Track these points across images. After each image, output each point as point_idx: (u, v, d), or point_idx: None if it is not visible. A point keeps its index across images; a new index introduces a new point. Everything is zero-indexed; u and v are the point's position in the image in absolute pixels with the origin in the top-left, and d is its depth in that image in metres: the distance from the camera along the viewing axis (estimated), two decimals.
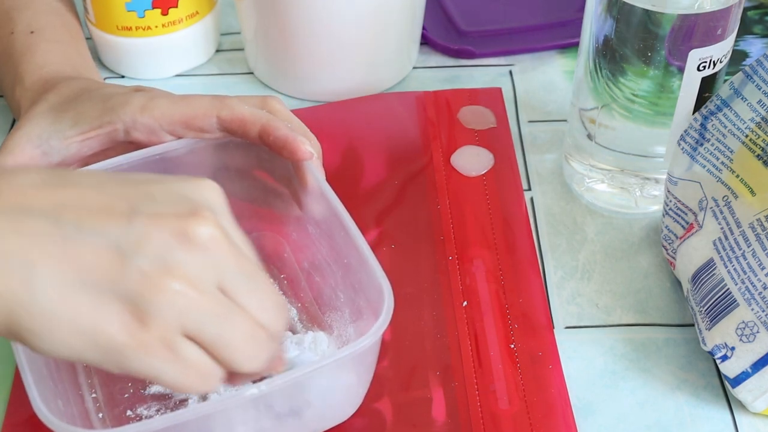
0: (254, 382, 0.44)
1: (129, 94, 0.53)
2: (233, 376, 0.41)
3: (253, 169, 0.54)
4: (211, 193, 0.40)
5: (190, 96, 0.53)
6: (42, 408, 0.41)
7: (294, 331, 0.54)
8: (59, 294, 0.36)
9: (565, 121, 0.65)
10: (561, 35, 0.75)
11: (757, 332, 0.49)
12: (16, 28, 0.63)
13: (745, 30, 0.76)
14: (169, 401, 0.51)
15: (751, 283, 0.49)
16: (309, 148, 0.51)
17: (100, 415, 0.50)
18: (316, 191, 0.51)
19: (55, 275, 0.36)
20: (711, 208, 0.53)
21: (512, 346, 0.54)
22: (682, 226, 0.57)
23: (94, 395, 0.50)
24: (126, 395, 0.51)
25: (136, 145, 0.53)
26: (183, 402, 0.51)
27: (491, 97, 0.70)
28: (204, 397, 0.50)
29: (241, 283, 0.39)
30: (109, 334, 0.37)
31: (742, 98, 0.52)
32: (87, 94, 0.55)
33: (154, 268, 0.37)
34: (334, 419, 0.49)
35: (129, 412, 0.50)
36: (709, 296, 0.52)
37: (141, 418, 0.50)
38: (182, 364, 0.38)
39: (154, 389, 0.51)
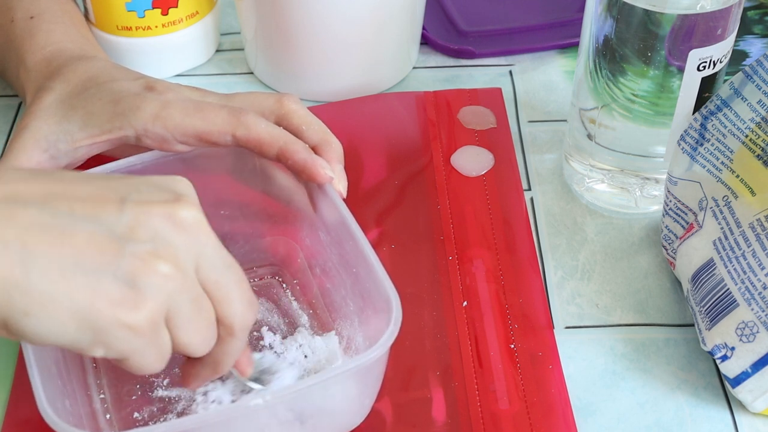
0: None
1: (140, 97, 0.52)
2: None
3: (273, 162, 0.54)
4: (187, 186, 0.42)
5: (205, 106, 0.52)
6: (46, 408, 0.41)
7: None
8: (57, 275, 0.38)
9: (565, 121, 0.65)
10: (561, 35, 0.75)
11: (757, 332, 0.49)
12: (16, 15, 0.62)
13: (745, 30, 0.76)
14: (176, 404, 0.51)
15: (751, 283, 0.49)
16: (328, 173, 0.51)
17: (108, 416, 0.50)
18: (329, 201, 0.51)
19: (51, 258, 0.38)
20: (711, 208, 0.53)
21: (512, 346, 0.54)
22: (682, 226, 0.57)
23: (102, 396, 0.50)
24: (133, 397, 0.51)
25: (147, 148, 0.52)
26: (188, 406, 0.51)
27: (491, 97, 0.70)
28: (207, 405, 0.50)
29: (217, 271, 0.41)
30: (104, 313, 0.38)
31: (742, 98, 0.52)
32: (96, 88, 0.54)
33: (147, 251, 0.39)
34: (339, 429, 0.49)
35: (136, 414, 0.50)
36: (709, 296, 0.52)
37: (147, 422, 0.50)
38: (157, 348, 0.40)
39: (161, 393, 0.51)
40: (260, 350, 0.52)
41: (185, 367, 0.45)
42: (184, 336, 0.41)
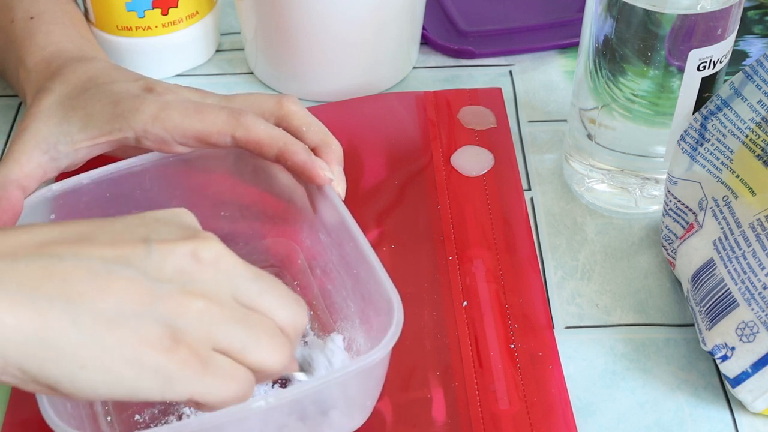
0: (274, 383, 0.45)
1: (140, 98, 0.52)
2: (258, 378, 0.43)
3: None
4: (192, 217, 0.43)
5: (204, 108, 0.52)
6: (48, 410, 0.41)
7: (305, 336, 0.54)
8: (103, 325, 0.37)
9: (565, 121, 0.65)
10: (561, 35, 0.75)
11: (757, 332, 0.49)
12: (16, 16, 0.62)
13: (745, 30, 0.76)
14: (177, 407, 0.50)
15: (751, 283, 0.49)
16: (328, 174, 0.51)
17: (109, 418, 0.50)
18: (328, 202, 0.51)
19: (96, 308, 0.37)
20: (711, 208, 0.53)
21: (512, 346, 0.54)
22: (682, 226, 0.57)
23: None
24: None
25: (148, 149, 0.52)
26: (189, 408, 0.50)
27: (491, 97, 0.70)
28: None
29: (253, 288, 0.41)
30: (154, 356, 0.38)
31: (742, 98, 0.52)
32: (95, 89, 0.54)
33: (177, 290, 0.39)
34: (341, 430, 0.49)
35: (137, 417, 0.50)
36: (709, 296, 0.52)
37: (148, 424, 0.50)
38: (219, 376, 0.40)
39: None
40: None
41: None
42: (252, 355, 0.41)
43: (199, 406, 0.40)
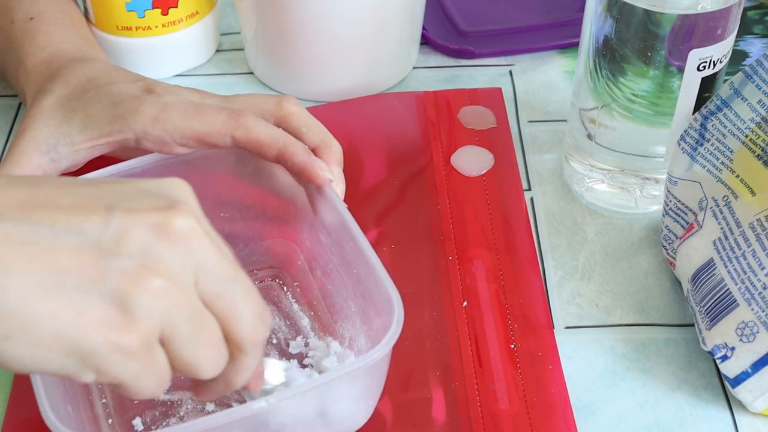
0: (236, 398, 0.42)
1: (140, 99, 0.52)
2: (197, 384, 0.40)
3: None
4: (184, 190, 0.39)
5: (204, 108, 0.51)
6: (49, 413, 0.41)
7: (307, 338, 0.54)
8: (37, 296, 0.34)
9: (565, 121, 0.65)
10: (561, 35, 0.75)
11: (757, 332, 0.49)
12: (16, 17, 0.62)
13: (745, 30, 0.76)
14: (178, 408, 0.50)
15: (751, 283, 0.49)
16: (327, 175, 0.51)
17: (110, 420, 0.50)
18: (328, 203, 0.51)
19: (31, 277, 0.34)
20: (711, 208, 0.53)
21: (512, 346, 0.54)
22: (682, 226, 0.57)
23: (104, 401, 0.50)
24: (135, 401, 0.50)
25: (148, 150, 0.52)
26: (191, 410, 0.51)
27: (491, 97, 0.70)
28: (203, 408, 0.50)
29: (219, 284, 0.38)
30: (91, 336, 0.35)
31: (742, 98, 0.52)
32: (95, 90, 0.54)
33: (136, 265, 0.35)
34: (342, 430, 0.49)
35: (138, 419, 0.50)
36: (709, 296, 0.52)
37: (149, 426, 0.50)
38: (152, 372, 0.37)
39: (164, 396, 0.51)
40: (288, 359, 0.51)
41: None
42: (186, 356, 0.37)
43: (114, 387, 0.37)
